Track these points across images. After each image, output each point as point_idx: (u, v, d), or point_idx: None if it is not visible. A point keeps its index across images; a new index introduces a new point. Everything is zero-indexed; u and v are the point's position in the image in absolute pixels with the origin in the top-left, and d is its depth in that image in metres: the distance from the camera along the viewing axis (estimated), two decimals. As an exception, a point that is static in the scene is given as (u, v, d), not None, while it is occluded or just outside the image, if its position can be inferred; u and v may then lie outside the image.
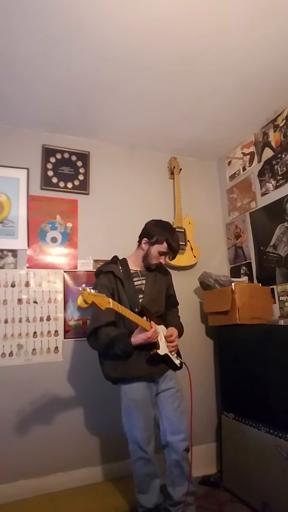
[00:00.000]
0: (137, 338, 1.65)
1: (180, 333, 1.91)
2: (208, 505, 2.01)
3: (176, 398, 1.79)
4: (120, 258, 1.95)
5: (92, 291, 1.45)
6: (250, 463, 2.01)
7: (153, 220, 1.96)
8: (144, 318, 1.66)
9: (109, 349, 1.70)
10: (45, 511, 1.88)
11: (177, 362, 1.84)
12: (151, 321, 1.71)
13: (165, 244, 1.84)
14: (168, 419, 1.75)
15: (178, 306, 2.12)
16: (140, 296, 1.84)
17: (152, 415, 1.76)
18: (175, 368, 1.85)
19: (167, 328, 1.87)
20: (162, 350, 1.74)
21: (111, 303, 1.50)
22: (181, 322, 2.01)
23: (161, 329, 1.81)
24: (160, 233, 1.86)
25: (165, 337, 1.82)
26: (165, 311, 1.98)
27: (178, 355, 1.90)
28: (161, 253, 1.86)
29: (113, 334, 1.68)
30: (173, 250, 1.87)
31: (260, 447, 1.94)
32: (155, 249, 1.86)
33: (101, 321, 1.70)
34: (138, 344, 1.65)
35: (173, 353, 1.83)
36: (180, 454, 1.71)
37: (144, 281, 1.89)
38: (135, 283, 1.86)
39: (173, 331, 1.85)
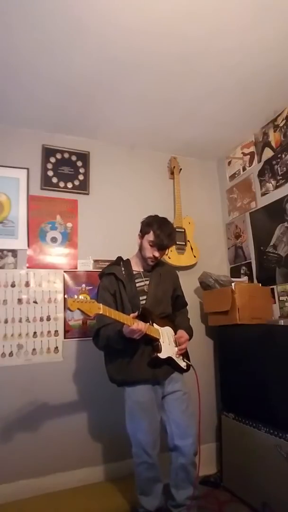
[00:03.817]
0: (125, 331, 1.59)
1: (190, 336, 1.88)
2: (208, 505, 2.01)
3: (183, 400, 1.76)
4: (124, 258, 1.94)
5: (81, 297, 1.44)
6: (250, 463, 2.01)
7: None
8: (139, 321, 1.60)
9: (110, 348, 1.70)
10: (45, 511, 1.89)
11: (182, 364, 1.80)
12: (153, 324, 1.70)
13: (151, 233, 1.80)
14: (176, 423, 1.73)
15: None
16: (143, 297, 1.81)
17: (158, 418, 1.73)
18: (181, 370, 1.82)
19: (174, 330, 1.84)
20: (165, 353, 1.70)
21: (101, 309, 1.47)
22: (190, 325, 1.97)
23: (166, 331, 1.78)
24: (148, 223, 1.84)
25: (174, 340, 1.80)
26: (173, 312, 1.94)
27: (186, 357, 1.86)
28: (151, 244, 1.81)
29: (107, 334, 1.67)
30: (159, 239, 1.78)
31: (260, 447, 1.94)
32: (145, 240, 1.83)
33: (104, 322, 1.69)
34: (130, 336, 1.58)
35: (178, 355, 1.80)
36: (188, 459, 1.69)
37: (147, 282, 1.86)
38: (138, 284, 1.83)
39: (183, 333, 1.82)
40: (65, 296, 2.33)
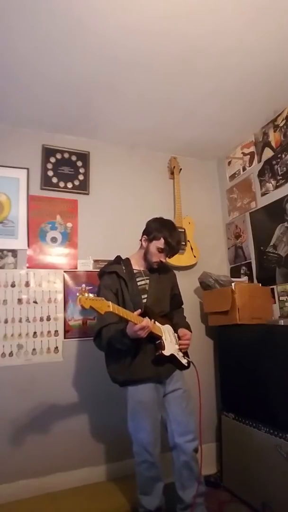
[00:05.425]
0: (130, 331, 1.57)
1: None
2: (208, 505, 2.00)
3: (183, 398, 1.77)
4: (123, 258, 1.93)
5: (91, 295, 1.41)
6: (250, 463, 2.01)
7: (154, 217, 1.93)
8: (147, 318, 1.61)
9: (112, 347, 1.68)
10: (45, 511, 1.88)
11: (184, 361, 1.81)
12: (155, 322, 1.70)
13: (162, 240, 1.80)
14: (176, 420, 1.73)
15: None
16: (144, 296, 1.81)
17: (159, 418, 1.73)
18: (182, 367, 1.82)
19: (173, 328, 1.85)
20: (168, 350, 1.71)
21: (110, 307, 1.46)
22: (188, 322, 1.99)
23: (167, 329, 1.79)
24: (158, 229, 1.83)
25: (179, 337, 1.82)
26: (170, 311, 1.95)
27: (185, 354, 1.87)
28: (159, 250, 1.81)
29: (110, 334, 1.66)
30: (171, 247, 1.80)
31: (260, 447, 1.94)
32: (153, 245, 1.82)
33: (105, 322, 1.68)
34: (135, 336, 1.56)
35: (179, 353, 1.81)
36: (189, 455, 1.68)
37: (147, 281, 1.86)
38: (139, 283, 1.84)
39: (186, 331, 1.85)
40: (77, 294, 2.32)
